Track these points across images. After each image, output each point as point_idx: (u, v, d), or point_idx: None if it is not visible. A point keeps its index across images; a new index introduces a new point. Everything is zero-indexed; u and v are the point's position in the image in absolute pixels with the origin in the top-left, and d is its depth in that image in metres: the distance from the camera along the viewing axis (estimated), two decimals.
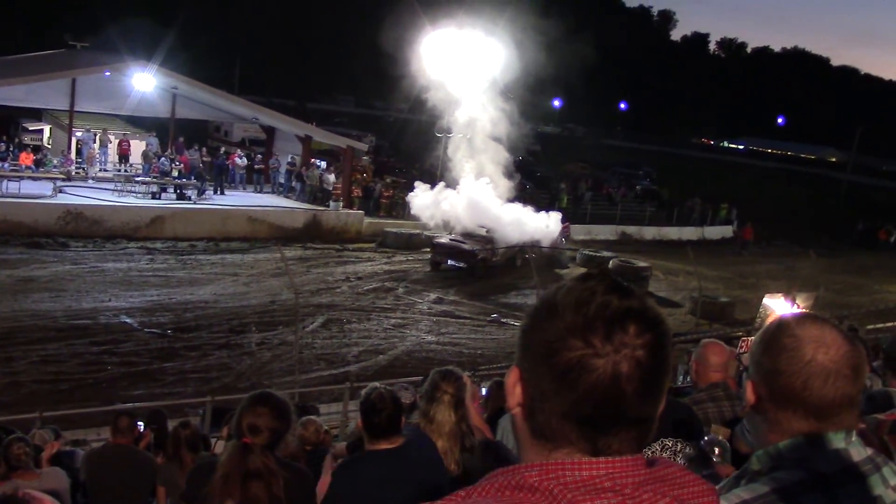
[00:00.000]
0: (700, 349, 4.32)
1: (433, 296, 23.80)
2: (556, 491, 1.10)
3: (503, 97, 30.93)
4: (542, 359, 1.14)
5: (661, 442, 3.12)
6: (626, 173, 58.90)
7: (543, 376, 1.13)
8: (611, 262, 28.08)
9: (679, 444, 3.11)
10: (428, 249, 28.43)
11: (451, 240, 27.55)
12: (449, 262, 27.07)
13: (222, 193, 30.58)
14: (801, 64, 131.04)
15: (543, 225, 29.79)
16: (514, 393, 1.18)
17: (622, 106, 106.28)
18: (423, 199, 30.05)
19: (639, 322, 1.12)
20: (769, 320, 2.05)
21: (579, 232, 35.30)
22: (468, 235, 27.81)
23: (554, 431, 1.14)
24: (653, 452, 3.01)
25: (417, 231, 30.20)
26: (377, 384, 3.90)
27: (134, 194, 27.66)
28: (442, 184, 30.44)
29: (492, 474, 1.14)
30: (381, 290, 23.65)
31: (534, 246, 29.27)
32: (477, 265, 26.84)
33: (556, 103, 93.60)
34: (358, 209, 31.60)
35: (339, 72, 69.40)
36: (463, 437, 3.88)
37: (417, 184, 30.85)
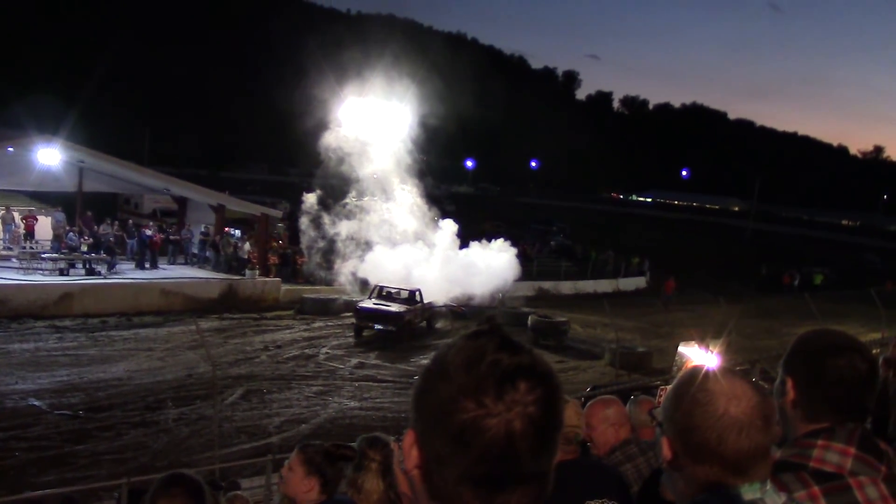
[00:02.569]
0: (596, 409, 4.00)
1: (354, 360, 23.58)
2: None
3: (416, 160, 31.38)
4: (436, 421, 1.12)
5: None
6: (541, 230, 60.12)
7: (438, 439, 1.12)
8: (529, 318, 28.32)
9: (605, 503, 3.14)
10: (348, 314, 28.15)
11: (374, 304, 26.93)
12: (376, 327, 26.15)
13: (153, 267, 29.93)
14: (701, 118, 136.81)
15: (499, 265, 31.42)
16: (411, 456, 1.17)
17: (533, 164, 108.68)
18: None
19: (529, 378, 1.11)
20: (685, 368, 2.10)
21: None
22: (390, 296, 27.58)
23: (450, 494, 1.12)
24: None
25: (335, 296, 30.02)
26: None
27: (41, 271, 26.74)
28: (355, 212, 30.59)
29: None
30: (301, 357, 23.32)
31: (456, 306, 29.59)
32: (404, 328, 26.29)
33: (469, 164, 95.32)
34: (275, 276, 31.27)
35: (251, 140, 69.22)
36: None
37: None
